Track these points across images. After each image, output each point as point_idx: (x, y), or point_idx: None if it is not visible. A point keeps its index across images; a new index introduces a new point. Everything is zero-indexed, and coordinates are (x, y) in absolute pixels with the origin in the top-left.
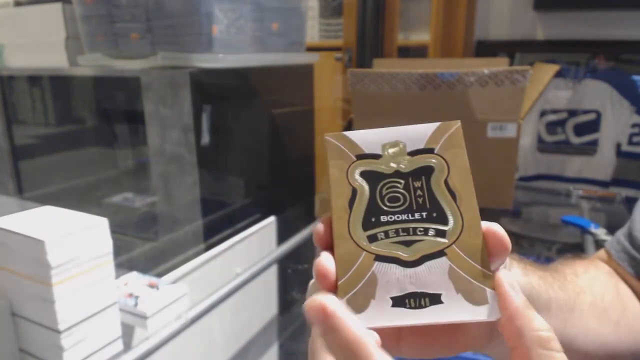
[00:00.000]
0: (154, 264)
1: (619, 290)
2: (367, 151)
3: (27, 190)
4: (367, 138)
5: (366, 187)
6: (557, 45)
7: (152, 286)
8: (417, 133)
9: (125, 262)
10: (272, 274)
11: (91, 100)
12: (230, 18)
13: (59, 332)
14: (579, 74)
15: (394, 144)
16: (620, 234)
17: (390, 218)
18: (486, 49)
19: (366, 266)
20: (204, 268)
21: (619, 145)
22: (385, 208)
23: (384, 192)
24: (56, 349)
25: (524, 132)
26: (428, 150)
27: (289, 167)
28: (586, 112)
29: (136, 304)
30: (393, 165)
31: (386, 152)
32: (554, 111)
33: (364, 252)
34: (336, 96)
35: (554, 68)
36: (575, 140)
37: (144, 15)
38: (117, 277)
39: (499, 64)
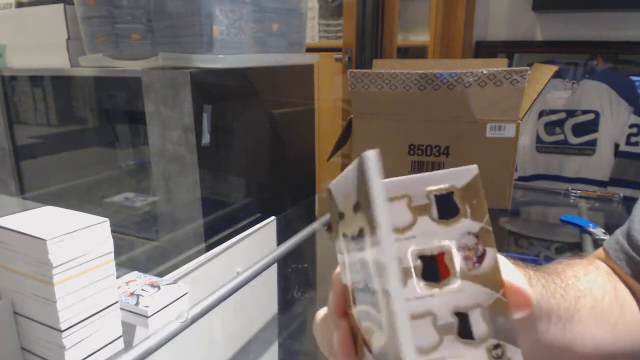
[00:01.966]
0: (155, 263)
1: (617, 291)
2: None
3: (29, 190)
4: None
5: None
6: (556, 46)
7: (153, 285)
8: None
9: (126, 261)
10: (273, 273)
11: (92, 101)
12: (230, 19)
13: (60, 330)
14: (577, 74)
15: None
16: (619, 233)
17: None
18: (485, 49)
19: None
20: (205, 267)
21: (617, 146)
22: None
23: None
24: (58, 348)
25: (523, 132)
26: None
27: (289, 167)
28: (585, 112)
29: (137, 303)
30: None
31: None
32: (553, 111)
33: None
34: (336, 96)
35: (552, 68)
36: (574, 140)
37: (145, 16)
38: (118, 276)
39: (498, 65)
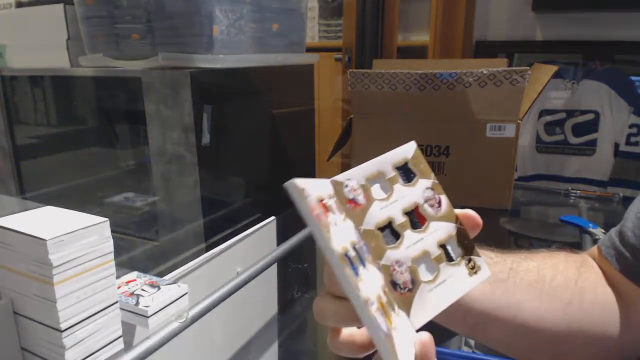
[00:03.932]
0: (155, 263)
1: (581, 279)
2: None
3: (29, 191)
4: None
5: None
6: (556, 46)
7: (153, 285)
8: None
9: (126, 261)
10: (273, 273)
11: (92, 101)
12: (230, 19)
13: (60, 330)
14: (577, 74)
15: None
16: (613, 231)
17: None
18: (485, 49)
19: None
20: (205, 267)
21: (617, 146)
22: None
23: None
24: (58, 348)
25: (523, 132)
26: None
27: (289, 167)
28: (584, 112)
29: (137, 303)
30: None
31: None
32: (553, 111)
33: None
34: (336, 96)
35: (552, 68)
36: (574, 140)
37: (145, 16)
38: (118, 276)
39: (498, 65)
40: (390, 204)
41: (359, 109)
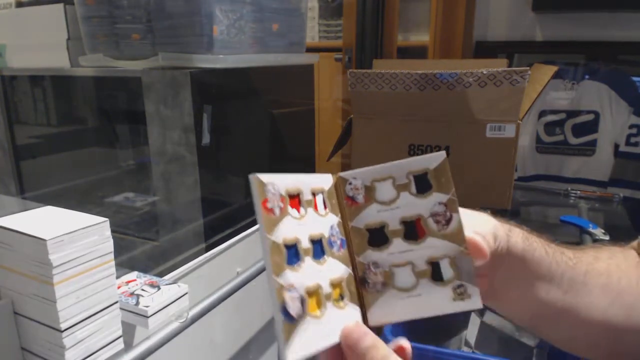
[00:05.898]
0: (155, 263)
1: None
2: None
3: (29, 190)
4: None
5: None
6: (556, 46)
7: (153, 285)
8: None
9: (126, 261)
10: None
11: (92, 101)
12: (230, 19)
13: (60, 331)
14: (577, 74)
15: None
16: None
17: None
18: (485, 49)
19: None
20: (205, 267)
21: (617, 146)
22: None
23: None
24: (58, 348)
25: (523, 133)
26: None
27: (289, 166)
28: (585, 112)
29: (137, 303)
30: None
31: None
32: (553, 112)
33: None
34: (336, 97)
35: (552, 69)
36: (574, 140)
37: (145, 16)
38: (118, 276)
39: (498, 65)
40: (390, 210)
41: (359, 109)
